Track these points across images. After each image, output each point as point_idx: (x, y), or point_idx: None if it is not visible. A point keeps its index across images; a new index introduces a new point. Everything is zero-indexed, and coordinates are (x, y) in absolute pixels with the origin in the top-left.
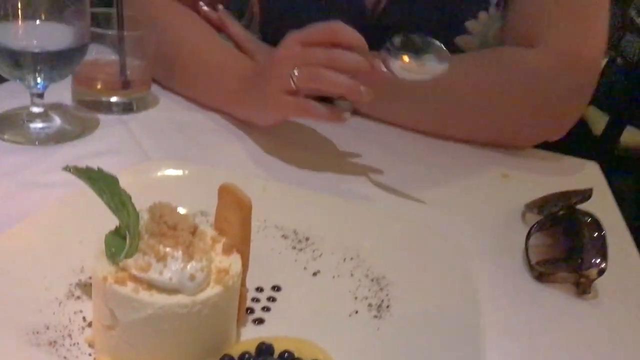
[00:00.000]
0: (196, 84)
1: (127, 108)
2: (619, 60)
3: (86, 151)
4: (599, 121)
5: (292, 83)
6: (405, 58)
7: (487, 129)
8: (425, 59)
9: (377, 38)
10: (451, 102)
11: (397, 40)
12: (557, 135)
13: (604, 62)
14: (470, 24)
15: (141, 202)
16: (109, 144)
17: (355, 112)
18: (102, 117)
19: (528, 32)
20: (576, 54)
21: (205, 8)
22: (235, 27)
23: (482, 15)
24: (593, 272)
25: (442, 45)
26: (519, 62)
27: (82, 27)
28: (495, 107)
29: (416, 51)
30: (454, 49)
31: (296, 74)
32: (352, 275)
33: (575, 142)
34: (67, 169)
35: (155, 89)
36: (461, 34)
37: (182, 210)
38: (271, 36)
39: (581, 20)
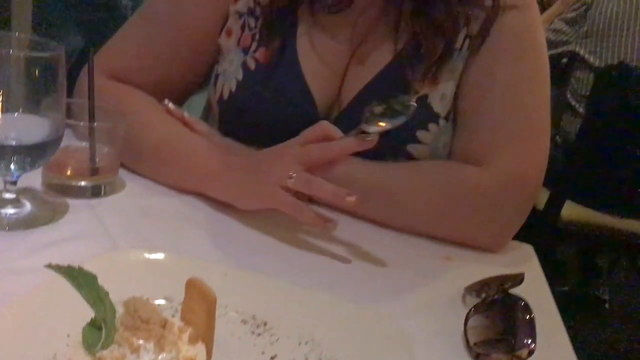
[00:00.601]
0: (169, 169)
1: (95, 192)
2: (558, 138)
3: (56, 237)
4: (540, 196)
5: (289, 183)
6: (381, 123)
7: (432, 235)
8: (396, 120)
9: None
10: (399, 208)
11: (377, 109)
12: (498, 248)
13: None
14: (421, 134)
15: (109, 290)
16: (78, 230)
17: (311, 200)
18: (71, 202)
19: (474, 152)
20: (519, 174)
21: (170, 105)
22: (199, 124)
23: (432, 126)
24: (524, 352)
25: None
26: (465, 180)
27: (57, 120)
28: (440, 220)
29: (391, 114)
30: (406, 156)
31: (294, 176)
32: (306, 358)
33: None
34: (49, 266)
35: (122, 172)
36: (413, 143)
37: (153, 302)
38: (230, 132)
39: (525, 142)
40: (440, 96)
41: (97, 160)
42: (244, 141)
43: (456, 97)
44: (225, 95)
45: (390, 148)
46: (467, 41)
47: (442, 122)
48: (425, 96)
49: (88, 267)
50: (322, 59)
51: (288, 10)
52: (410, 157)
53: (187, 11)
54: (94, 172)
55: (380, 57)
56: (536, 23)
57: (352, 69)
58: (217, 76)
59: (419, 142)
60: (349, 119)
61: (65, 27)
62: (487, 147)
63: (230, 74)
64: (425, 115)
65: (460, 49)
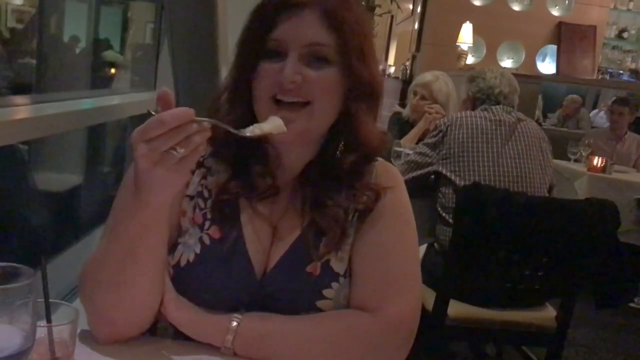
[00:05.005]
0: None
1: None
2: (436, 245)
3: None
4: (428, 298)
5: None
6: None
7: None
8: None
9: (260, 303)
10: (301, 348)
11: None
12: None
13: (424, 247)
14: (326, 292)
15: None
16: None
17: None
18: None
19: (366, 302)
20: (398, 319)
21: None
22: None
23: (335, 284)
24: None
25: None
26: (356, 325)
27: (28, 329)
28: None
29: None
30: (316, 310)
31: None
32: None
33: None
34: None
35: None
36: (320, 299)
37: None
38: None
39: (402, 293)
40: (339, 259)
41: (55, 351)
42: (187, 295)
43: (350, 257)
44: (183, 263)
45: (303, 304)
46: (356, 214)
47: (341, 279)
48: (328, 261)
49: None
50: (256, 234)
51: (231, 201)
52: (319, 311)
53: None
54: None
55: (292, 233)
56: (405, 198)
57: (275, 242)
58: (175, 244)
59: (325, 298)
60: (271, 279)
61: None
62: (375, 298)
63: (189, 246)
64: (329, 276)
65: (352, 220)
